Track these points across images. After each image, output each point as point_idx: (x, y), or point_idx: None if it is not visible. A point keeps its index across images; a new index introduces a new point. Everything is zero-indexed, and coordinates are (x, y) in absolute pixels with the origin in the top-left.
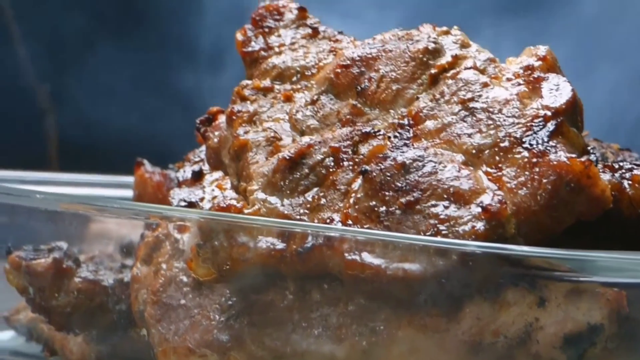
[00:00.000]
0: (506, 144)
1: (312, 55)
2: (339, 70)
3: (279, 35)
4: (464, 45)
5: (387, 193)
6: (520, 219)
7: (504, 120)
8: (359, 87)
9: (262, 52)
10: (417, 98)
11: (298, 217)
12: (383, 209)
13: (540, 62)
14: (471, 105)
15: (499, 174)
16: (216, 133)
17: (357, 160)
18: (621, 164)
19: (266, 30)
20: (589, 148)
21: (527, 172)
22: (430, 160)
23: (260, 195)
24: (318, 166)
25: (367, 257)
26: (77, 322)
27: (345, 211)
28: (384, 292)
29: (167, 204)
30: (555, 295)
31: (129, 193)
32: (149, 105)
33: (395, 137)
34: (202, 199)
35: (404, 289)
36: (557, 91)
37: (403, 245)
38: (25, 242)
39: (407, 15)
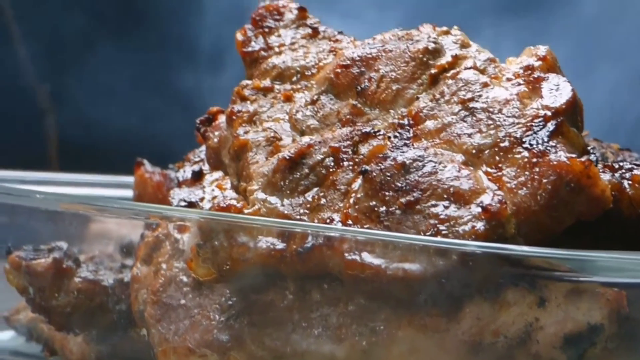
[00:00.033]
0: (506, 144)
1: (312, 55)
2: (339, 70)
3: (279, 35)
4: (464, 45)
5: (387, 193)
6: (520, 219)
7: (504, 120)
8: (359, 87)
9: (262, 52)
10: (417, 98)
11: (298, 217)
12: (383, 209)
13: (540, 62)
14: (471, 105)
15: (499, 174)
16: (216, 133)
17: (357, 160)
18: (621, 164)
19: (266, 30)
20: (589, 148)
21: (527, 172)
22: (430, 160)
23: (260, 195)
24: (318, 166)
25: (367, 257)
26: (77, 322)
27: (345, 211)
28: (384, 292)
29: (167, 204)
30: (555, 295)
31: (129, 193)
32: (149, 105)
33: (395, 137)
34: (202, 199)
35: (404, 289)
36: (557, 91)
37: (403, 245)
38: (25, 242)
39: (407, 15)
